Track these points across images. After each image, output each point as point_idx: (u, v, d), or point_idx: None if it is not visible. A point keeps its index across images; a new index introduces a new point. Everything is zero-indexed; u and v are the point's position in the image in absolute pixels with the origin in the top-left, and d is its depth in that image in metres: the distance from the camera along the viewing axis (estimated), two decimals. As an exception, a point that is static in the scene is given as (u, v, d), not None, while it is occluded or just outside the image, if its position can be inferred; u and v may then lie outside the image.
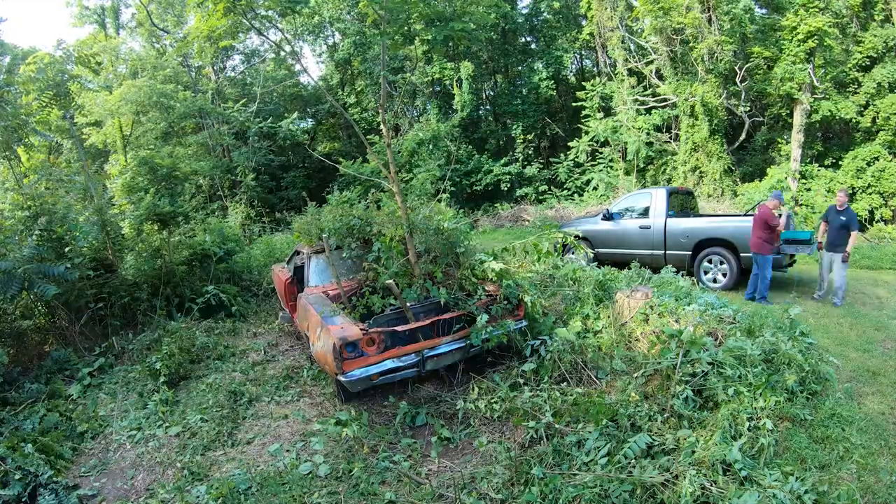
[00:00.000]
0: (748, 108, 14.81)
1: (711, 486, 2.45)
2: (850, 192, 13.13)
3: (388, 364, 3.69)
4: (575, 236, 8.20)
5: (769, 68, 13.66)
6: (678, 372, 3.17)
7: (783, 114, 14.68)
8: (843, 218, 5.96)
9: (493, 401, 3.69)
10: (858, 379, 3.83)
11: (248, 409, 4.14)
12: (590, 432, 2.92)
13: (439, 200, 9.50)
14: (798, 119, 13.34)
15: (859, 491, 2.52)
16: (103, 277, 5.97)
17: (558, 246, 5.23)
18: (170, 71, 17.06)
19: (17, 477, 3.07)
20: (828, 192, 13.01)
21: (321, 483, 2.99)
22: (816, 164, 13.92)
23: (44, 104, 6.45)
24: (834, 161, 14.13)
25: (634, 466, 2.63)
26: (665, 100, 15.07)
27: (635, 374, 3.39)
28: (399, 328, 3.81)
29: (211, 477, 3.18)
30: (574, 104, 18.20)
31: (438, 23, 16.90)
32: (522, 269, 5.29)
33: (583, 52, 21.35)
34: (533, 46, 20.60)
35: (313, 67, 24.61)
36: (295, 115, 16.31)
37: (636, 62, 16.13)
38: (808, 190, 13.32)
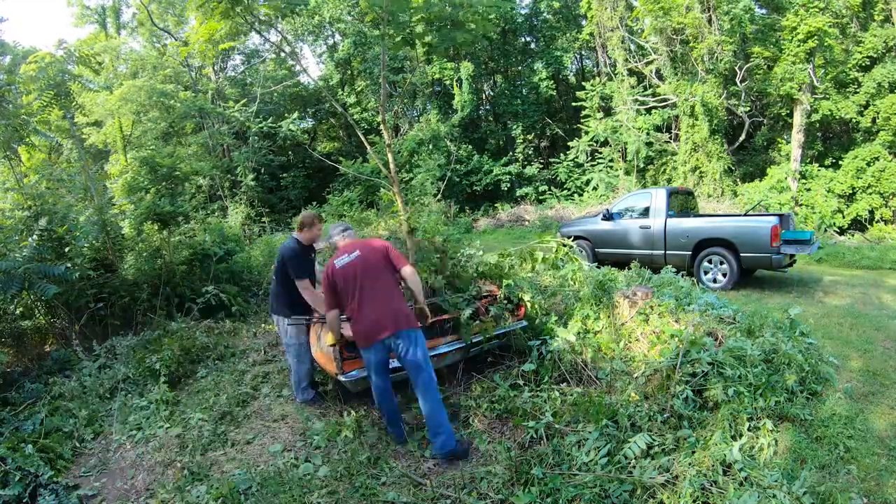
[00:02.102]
0: (748, 108, 14.82)
1: (711, 486, 2.45)
2: (850, 192, 13.14)
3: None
4: (574, 237, 8.21)
5: (769, 68, 13.67)
6: (678, 372, 3.17)
7: (783, 114, 14.70)
8: None
9: (493, 400, 3.69)
10: (858, 379, 3.83)
11: (248, 408, 4.14)
12: (590, 432, 2.92)
13: (439, 200, 9.49)
14: (798, 119, 13.35)
15: (860, 491, 2.52)
16: (103, 277, 5.97)
17: (558, 253, 5.19)
18: (170, 71, 17.07)
19: (17, 478, 3.07)
20: (828, 192, 13.02)
21: (321, 483, 2.99)
22: (816, 164, 13.93)
23: (44, 104, 6.44)
24: (834, 161, 14.14)
25: (634, 466, 2.63)
26: (665, 100, 15.08)
27: (635, 374, 3.39)
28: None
29: (211, 477, 3.18)
30: (574, 104, 18.22)
31: (439, 23, 16.87)
32: (522, 269, 5.29)
33: (583, 52, 21.38)
34: (533, 46, 20.62)
35: (313, 67, 24.63)
36: (295, 114, 16.30)
37: (636, 62, 16.14)
38: (808, 190, 13.34)
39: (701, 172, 14.23)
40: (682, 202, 7.95)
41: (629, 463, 2.66)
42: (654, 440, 2.77)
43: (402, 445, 3.37)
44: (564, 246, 5.00)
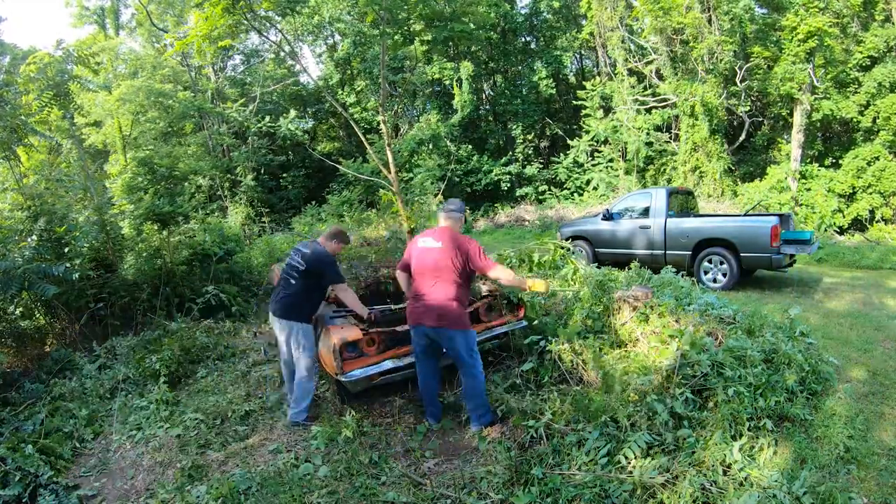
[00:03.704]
0: (748, 108, 14.82)
1: (711, 486, 2.45)
2: (851, 191, 13.13)
3: (388, 364, 3.69)
4: (574, 237, 8.21)
5: (769, 68, 13.67)
6: (678, 372, 3.17)
7: (783, 114, 14.70)
8: None
9: (493, 400, 3.69)
10: (858, 379, 3.83)
11: (248, 408, 4.13)
12: (590, 432, 2.92)
13: (440, 203, 9.49)
14: (798, 119, 13.35)
15: (860, 491, 2.52)
16: (103, 277, 5.97)
17: (555, 255, 5.18)
18: (168, 70, 17.07)
19: (17, 478, 3.07)
20: (828, 191, 13.01)
21: (321, 483, 2.99)
22: (816, 164, 13.93)
23: (43, 104, 6.44)
24: (834, 161, 14.15)
25: (634, 467, 2.63)
26: (665, 100, 15.07)
27: (635, 374, 3.39)
28: (399, 328, 3.80)
29: (211, 477, 3.18)
30: (574, 104, 18.21)
31: (438, 23, 16.87)
32: (520, 270, 5.29)
33: (583, 52, 21.38)
34: (533, 46, 20.61)
35: (313, 67, 24.62)
36: (293, 113, 16.31)
37: (636, 62, 16.14)
38: (808, 190, 13.33)
39: (701, 172, 14.23)
40: (682, 202, 7.95)
41: (629, 463, 2.66)
42: (654, 440, 2.77)
43: (437, 424, 3.59)
44: (562, 248, 4.99)
